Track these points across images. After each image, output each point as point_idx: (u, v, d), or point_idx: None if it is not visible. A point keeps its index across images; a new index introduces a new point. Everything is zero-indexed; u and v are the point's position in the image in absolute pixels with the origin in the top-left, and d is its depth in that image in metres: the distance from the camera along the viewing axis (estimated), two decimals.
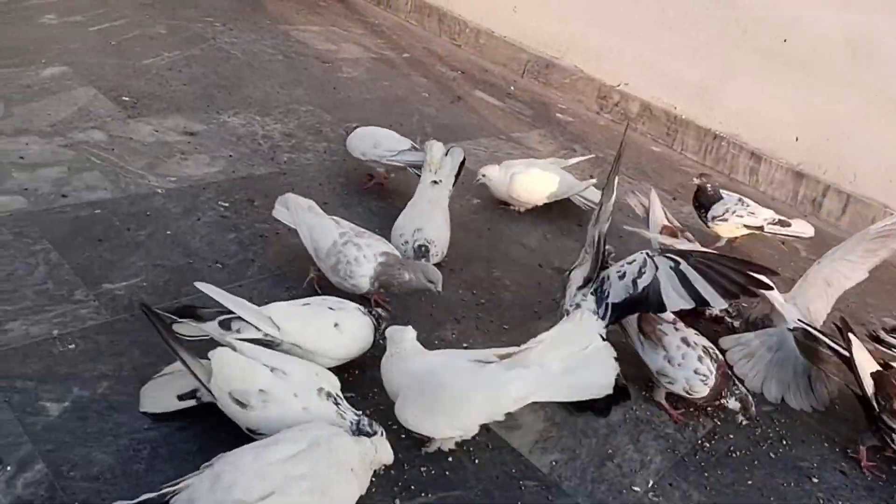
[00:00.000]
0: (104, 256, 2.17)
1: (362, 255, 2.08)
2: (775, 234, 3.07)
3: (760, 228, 3.02)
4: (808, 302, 2.42)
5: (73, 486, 1.50)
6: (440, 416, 1.69)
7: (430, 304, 2.32)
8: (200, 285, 1.76)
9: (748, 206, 3.02)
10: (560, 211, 3.17)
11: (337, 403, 1.65)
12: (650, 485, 1.86)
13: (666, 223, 2.61)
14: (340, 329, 1.83)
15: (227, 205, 2.57)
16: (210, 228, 2.42)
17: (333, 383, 1.70)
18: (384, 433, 1.63)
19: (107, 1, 4.12)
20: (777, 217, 3.06)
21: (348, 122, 3.46)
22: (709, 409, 2.17)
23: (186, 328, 1.70)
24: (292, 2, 5.04)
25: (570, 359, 1.79)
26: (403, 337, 1.78)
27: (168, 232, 2.35)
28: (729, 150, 4.06)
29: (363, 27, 4.98)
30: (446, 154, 2.67)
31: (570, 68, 4.64)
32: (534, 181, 3.00)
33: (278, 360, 1.65)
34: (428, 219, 2.44)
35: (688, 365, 2.02)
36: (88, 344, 1.85)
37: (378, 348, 1.90)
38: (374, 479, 1.61)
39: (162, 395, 1.70)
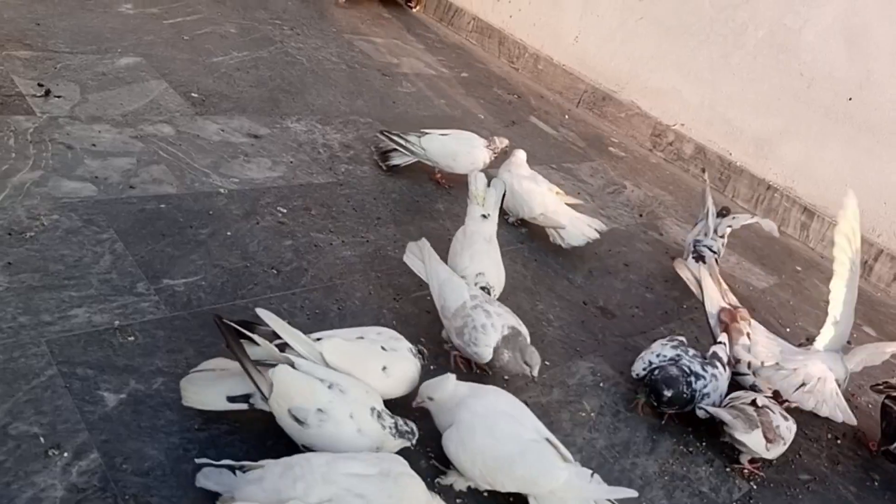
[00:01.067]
0: (166, 251, 2.22)
1: (490, 323, 2.04)
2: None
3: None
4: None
5: (124, 479, 1.54)
6: (488, 471, 1.71)
7: None
8: (261, 312, 1.76)
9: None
10: (608, 248, 3.18)
11: (380, 417, 1.68)
12: None
13: (724, 304, 2.50)
14: (388, 373, 1.83)
15: (285, 211, 2.62)
16: (268, 233, 2.47)
17: (379, 399, 1.74)
18: (416, 433, 1.70)
19: None
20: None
21: None
22: (745, 471, 2.16)
23: (252, 348, 1.73)
24: (358, 11, 5.11)
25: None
26: (444, 387, 1.79)
27: (228, 233, 2.40)
28: (782, 202, 4.02)
29: (424, 43, 5.04)
30: (489, 185, 2.59)
31: (627, 103, 4.64)
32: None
33: (334, 375, 1.69)
34: (487, 260, 2.39)
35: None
36: (146, 338, 1.89)
37: None
38: None
39: (208, 392, 1.72)
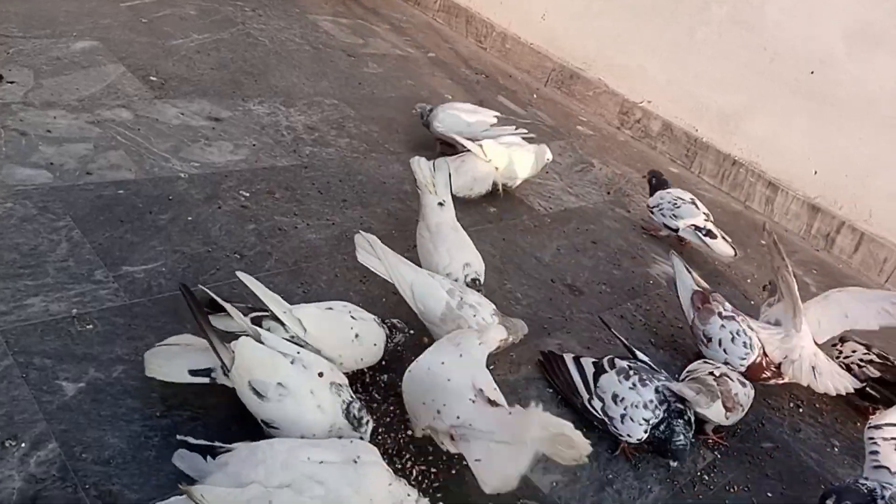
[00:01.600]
0: (125, 238, 2.19)
1: (481, 317, 2.04)
2: (689, 241, 3.19)
3: (676, 231, 3.16)
4: (820, 317, 2.55)
5: (84, 468, 1.52)
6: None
7: None
8: (241, 275, 1.79)
9: (678, 207, 3.15)
10: (576, 226, 3.19)
11: (339, 393, 1.68)
12: None
13: (696, 288, 2.52)
14: (360, 340, 1.86)
15: (247, 195, 2.59)
16: (230, 217, 2.44)
17: (342, 377, 1.73)
18: (371, 424, 1.69)
19: None
20: (705, 225, 3.14)
21: (372, 118, 3.49)
22: (710, 441, 2.19)
23: (222, 321, 1.74)
24: None
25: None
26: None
27: (189, 218, 2.36)
28: (747, 177, 4.07)
29: (390, 23, 4.98)
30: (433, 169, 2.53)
31: (595, 81, 4.64)
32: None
33: (297, 350, 1.69)
34: (466, 249, 2.36)
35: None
36: (106, 326, 1.86)
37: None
38: None
39: (171, 365, 1.70)
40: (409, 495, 1.52)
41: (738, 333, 2.35)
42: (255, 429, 1.67)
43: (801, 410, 2.51)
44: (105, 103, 2.82)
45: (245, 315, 1.73)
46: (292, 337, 1.77)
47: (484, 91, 4.38)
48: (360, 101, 3.65)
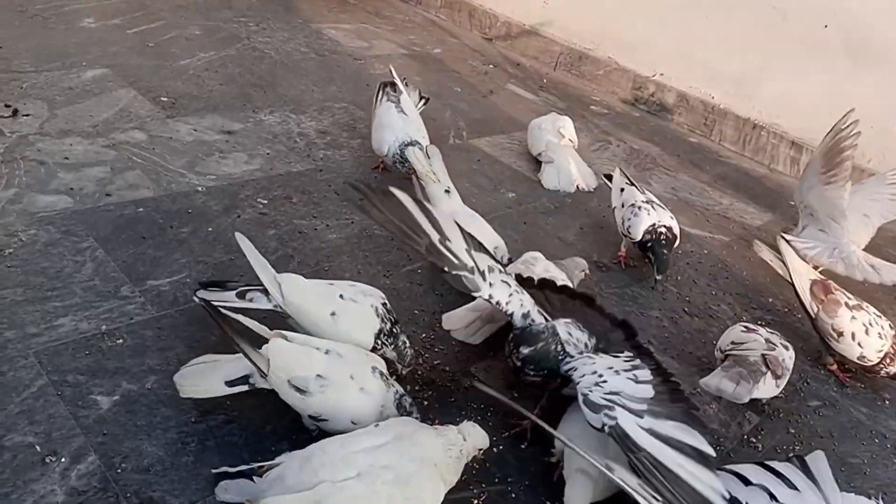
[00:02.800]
0: (148, 253, 2.21)
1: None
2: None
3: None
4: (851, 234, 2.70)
5: (124, 477, 1.53)
6: None
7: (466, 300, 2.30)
8: (239, 236, 1.80)
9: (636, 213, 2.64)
10: (598, 204, 3.15)
11: (386, 380, 1.68)
12: None
13: (813, 277, 2.41)
14: (336, 320, 1.79)
15: (265, 202, 2.60)
16: (250, 225, 2.45)
17: (381, 361, 1.73)
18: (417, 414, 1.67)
19: (144, 4, 4.18)
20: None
21: None
22: (759, 404, 2.13)
23: (208, 294, 1.80)
24: (323, 0, 5.06)
25: None
26: None
27: (209, 229, 2.38)
28: (769, 139, 3.98)
29: (393, 24, 4.99)
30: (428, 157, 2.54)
31: (604, 59, 4.59)
32: None
33: (329, 343, 1.69)
34: (487, 232, 2.37)
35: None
36: (135, 339, 1.88)
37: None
38: None
39: (207, 381, 1.70)
40: (458, 434, 1.56)
41: (871, 324, 2.25)
42: (292, 425, 1.67)
43: (845, 366, 2.43)
44: (119, 127, 2.86)
45: (234, 290, 1.80)
46: (275, 307, 1.78)
47: (493, 82, 4.36)
48: (368, 102, 3.61)
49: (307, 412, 1.63)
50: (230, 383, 1.68)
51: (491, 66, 4.62)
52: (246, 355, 1.59)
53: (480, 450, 1.62)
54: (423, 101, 3.20)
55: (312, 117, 3.33)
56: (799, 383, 2.28)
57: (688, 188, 3.52)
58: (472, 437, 1.59)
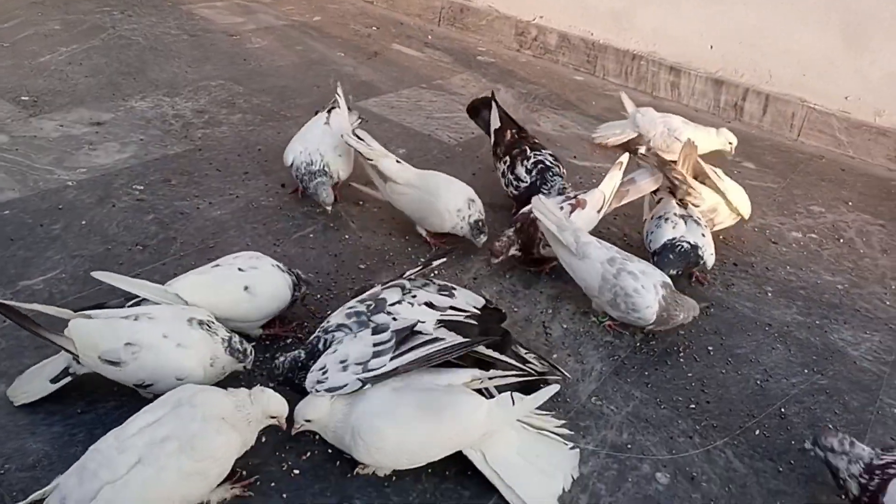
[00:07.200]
0: (18, 255, 2.11)
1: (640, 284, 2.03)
2: None
3: None
4: None
5: (9, 477, 1.48)
6: (416, 456, 1.57)
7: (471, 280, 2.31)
8: (97, 275, 1.72)
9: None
10: (488, 149, 3.17)
11: (209, 328, 1.64)
12: (593, 389, 1.91)
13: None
14: (252, 291, 1.80)
15: (142, 188, 2.51)
16: (126, 213, 2.37)
17: (204, 312, 1.69)
18: (253, 353, 1.68)
19: None
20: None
21: (262, 90, 3.40)
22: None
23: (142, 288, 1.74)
24: None
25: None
26: (320, 407, 1.55)
27: (83, 222, 2.29)
28: (649, 68, 4.09)
29: None
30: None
31: (485, 9, 4.60)
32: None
33: (141, 308, 1.66)
34: (459, 184, 2.43)
35: None
36: (11, 341, 1.81)
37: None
38: (317, 485, 1.56)
39: (32, 385, 1.66)
40: (247, 397, 1.47)
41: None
42: None
43: (735, 265, 2.55)
44: None
45: (123, 305, 1.71)
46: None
47: (377, 43, 4.31)
48: (247, 76, 3.56)
49: (130, 382, 1.59)
50: (54, 379, 1.64)
51: (374, 27, 4.57)
52: (51, 342, 1.55)
53: (275, 417, 1.51)
54: (359, 121, 2.98)
55: (188, 98, 3.22)
56: (687, 288, 2.38)
57: (575, 124, 3.59)
58: (259, 403, 1.47)
